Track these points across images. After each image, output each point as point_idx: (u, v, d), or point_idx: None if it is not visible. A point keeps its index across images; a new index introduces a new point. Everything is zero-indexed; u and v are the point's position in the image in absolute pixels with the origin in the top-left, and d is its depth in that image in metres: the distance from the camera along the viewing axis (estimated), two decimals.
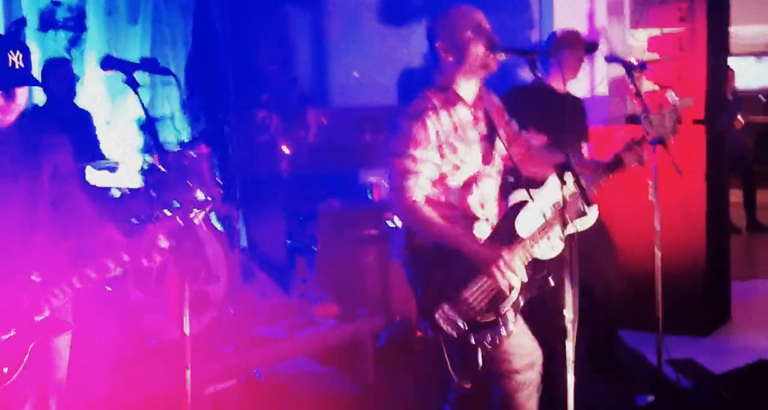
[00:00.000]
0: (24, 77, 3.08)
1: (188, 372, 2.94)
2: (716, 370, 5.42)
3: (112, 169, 6.13)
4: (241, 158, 7.80)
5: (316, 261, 6.70)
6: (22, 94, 3.11)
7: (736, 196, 8.51)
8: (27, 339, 3.03)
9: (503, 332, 3.42)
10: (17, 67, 3.05)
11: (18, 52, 3.06)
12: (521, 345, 3.58)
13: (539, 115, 4.64)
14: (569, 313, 3.32)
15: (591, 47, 4.80)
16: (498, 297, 3.44)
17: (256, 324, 5.75)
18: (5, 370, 3.02)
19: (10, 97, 3.05)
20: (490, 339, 3.41)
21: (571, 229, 3.69)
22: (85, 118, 6.53)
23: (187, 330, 2.92)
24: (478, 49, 3.50)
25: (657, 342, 4.71)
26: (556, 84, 4.96)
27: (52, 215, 3.24)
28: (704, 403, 4.93)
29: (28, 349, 3.03)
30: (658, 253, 4.66)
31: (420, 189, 3.45)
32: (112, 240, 3.16)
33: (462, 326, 3.39)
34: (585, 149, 5.12)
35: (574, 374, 3.36)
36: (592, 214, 4.64)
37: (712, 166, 6.07)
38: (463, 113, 3.56)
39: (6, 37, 3.06)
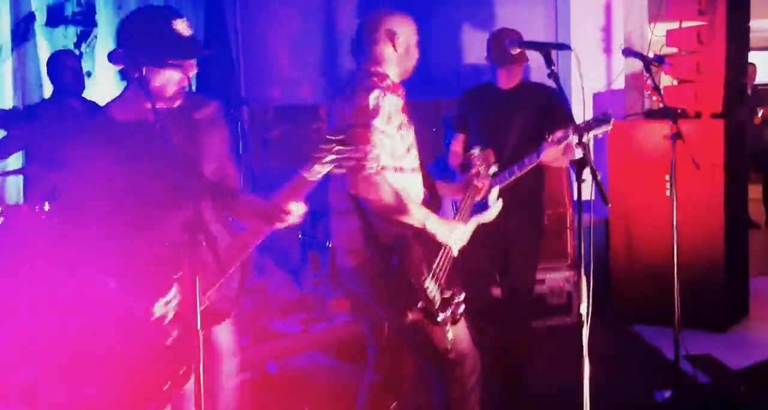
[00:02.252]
0: (194, 47, 3.10)
1: (201, 367, 2.90)
2: (734, 366, 5.39)
3: None
4: (253, 153, 7.78)
5: (330, 257, 6.67)
6: (191, 66, 3.10)
7: (754, 191, 8.42)
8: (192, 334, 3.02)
9: (461, 308, 3.52)
10: (186, 35, 3.07)
11: (183, 20, 3.08)
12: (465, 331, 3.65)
13: (486, 114, 4.80)
14: (584, 303, 3.29)
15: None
16: (453, 271, 3.58)
17: (270, 319, 5.72)
18: (182, 371, 3.05)
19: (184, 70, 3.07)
20: (451, 314, 3.49)
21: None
22: (94, 112, 6.48)
23: (199, 324, 2.88)
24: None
25: (674, 337, 4.68)
26: (505, 82, 4.87)
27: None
28: (722, 398, 4.92)
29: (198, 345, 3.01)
30: (675, 248, 4.61)
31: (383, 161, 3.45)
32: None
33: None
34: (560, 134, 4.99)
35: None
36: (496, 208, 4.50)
37: (730, 161, 6.00)
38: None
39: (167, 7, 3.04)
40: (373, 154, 3.36)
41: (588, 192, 3.32)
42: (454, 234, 3.59)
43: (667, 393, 4.80)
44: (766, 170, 10.07)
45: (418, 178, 3.66)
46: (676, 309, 4.63)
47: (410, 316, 3.46)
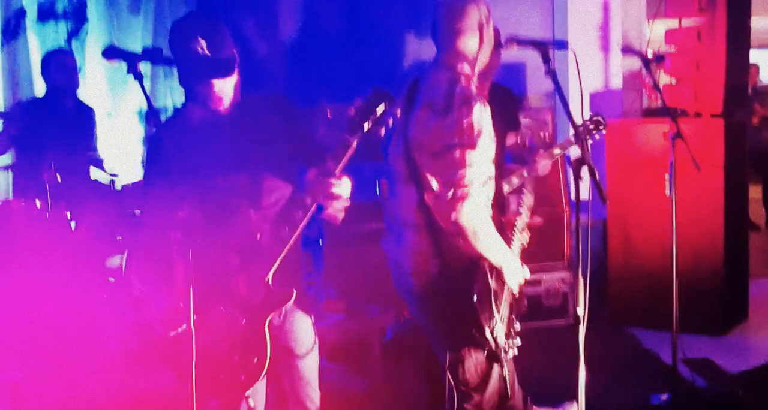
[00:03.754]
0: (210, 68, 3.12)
1: (193, 367, 2.84)
2: (733, 370, 5.32)
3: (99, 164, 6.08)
4: None
5: (323, 257, 6.60)
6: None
7: (754, 191, 8.35)
8: (259, 321, 3.10)
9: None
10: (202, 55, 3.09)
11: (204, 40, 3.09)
12: None
13: None
14: (581, 305, 3.22)
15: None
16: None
17: None
18: (255, 360, 3.09)
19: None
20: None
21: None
22: (87, 113, 6.44)
23: (192, 324, 2.81)
24: None
25: (672, 340, 4.62)
26: None
27: None
28: (720, 403, 4.84)
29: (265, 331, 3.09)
30: (675, 250, 4.54)
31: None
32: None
33: None
34: (512, 139, 4.90)
35: None
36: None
37: (730, 161, 5.92)
38: None
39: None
40: (471, 176, 3.15)
41: (585, 191, 3.25)
42: (519, 273, 3.46)
43: (665, 397, 4.74)
44: (765, 170, 9.99)
45: (493, 184, 3.40)
46: (674, 312, 4.57)
47: (472, 355, 3.43)
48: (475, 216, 3.17)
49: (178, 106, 7.58)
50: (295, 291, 3.18)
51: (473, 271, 3.28)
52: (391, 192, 3.33)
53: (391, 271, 3.56)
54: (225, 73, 3.13)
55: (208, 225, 3.15)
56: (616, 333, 6.07)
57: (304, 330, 3.40)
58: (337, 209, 3.13)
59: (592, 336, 3.27)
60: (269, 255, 3.12)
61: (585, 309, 3.13)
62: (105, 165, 6.18)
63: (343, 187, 3.08)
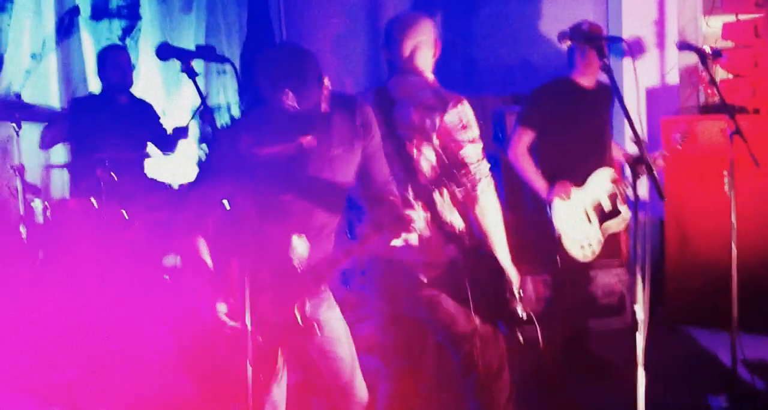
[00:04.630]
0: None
1: (249, 366, 2.84)
2: None
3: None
4: None
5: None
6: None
7: None
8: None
9: None
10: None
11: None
12: None
13: (565, 110, 4.77)
14: (640, 305, 3.20)
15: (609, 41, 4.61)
16: None
17: None
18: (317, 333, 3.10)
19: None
20: None
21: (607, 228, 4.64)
22: (146, 108, 6.48)
23: (248, 323, 2.82)
24: None
25: (732, 340, 4.58)
26: (582, 78, 4.87)
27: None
28: None
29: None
30: (734, 248, 4.48)
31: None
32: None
33: None
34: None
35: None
36: (626, 213, 4.79)
37: None
38: None
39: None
40: (482, 166, 3.54)
41: (643, 189, 3.22)
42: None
43: (723, 399, 4.67)
44: None
45: None
46: (733, 311, 4.52)
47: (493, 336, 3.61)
48: (488, 197, 3.53)
49: (233, 104, 7.68)
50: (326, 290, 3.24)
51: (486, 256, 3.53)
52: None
53: (382, 270, 3.69)
54: (311, 130, 3.06)
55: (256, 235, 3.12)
56: (673, 333, 5.99)
57: (335, 319, 3.38)
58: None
59: (649, 335, 3.24)
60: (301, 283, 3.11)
61: (645, 310, 3.11)
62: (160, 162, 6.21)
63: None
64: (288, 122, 2.98)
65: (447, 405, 4.53)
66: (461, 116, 3.53)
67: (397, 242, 3.03)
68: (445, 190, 3.03)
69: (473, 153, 3.54)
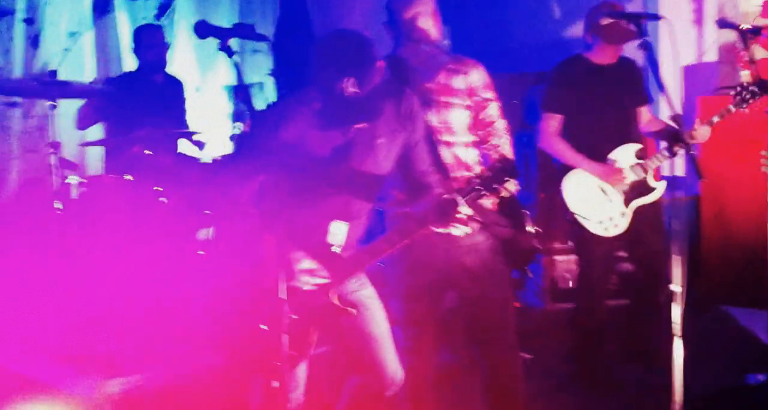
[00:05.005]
0: None
1: (284, 337, 2.85)
2: None
3: (200, 145, 6.10)
4: None
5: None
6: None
7: None
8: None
9: None
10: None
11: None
12: None
13: (580, 89, 4.74)
14: (677, 281, 3.19)
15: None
16: None
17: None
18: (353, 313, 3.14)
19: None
20: None
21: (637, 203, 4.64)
22: (176, 86, 6.51)
23: (283, 294, 2.83)
24: None
25: None
26: (601, 55, 4.80)
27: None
28: None
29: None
30: None
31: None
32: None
33: None
34: (645, 114, 4.98)
35: None
36: (660, 189, 4.67)
37: None
38: None
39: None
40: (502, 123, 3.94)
41: (679, 167, 3.19)
42: None
43: (761, 378, 4.62)
44: None
45: None
46: None
47: None
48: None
49: (267, 83, 7.68)
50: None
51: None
52: None
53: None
54: (364, 117, 3.07)
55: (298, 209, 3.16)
56: (708, 311, 5.93)
57: (370, 298, 3.38)
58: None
59: (685, 314, 3.21)
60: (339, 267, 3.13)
61: (682, 287, 3.09)
62: (195, 138, 6.23)
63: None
64: (343, 108, 2.99)
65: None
66: (483, 76, 3.83)
67: (440, 230, 3.07)
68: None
69: (495, 112, 3.88)
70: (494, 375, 3.88)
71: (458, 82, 3.78)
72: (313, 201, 3.18)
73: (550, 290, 6.12)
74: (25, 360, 4.67)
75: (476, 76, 3.81)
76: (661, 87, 3.33)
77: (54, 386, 4.36)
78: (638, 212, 4.70)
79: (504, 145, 3.91)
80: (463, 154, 3.79)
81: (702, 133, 4.49)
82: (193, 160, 5.96)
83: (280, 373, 2.89)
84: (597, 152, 4.71)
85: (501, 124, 3.92)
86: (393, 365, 3.37)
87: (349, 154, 3.16)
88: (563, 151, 4.72)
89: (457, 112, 3.79)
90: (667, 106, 3.51)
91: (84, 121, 6.05)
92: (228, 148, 6.31)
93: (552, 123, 4.74)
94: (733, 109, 4.49)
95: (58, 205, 5.10)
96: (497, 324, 3.87)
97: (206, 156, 5.93)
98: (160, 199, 5.33)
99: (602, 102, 4.73)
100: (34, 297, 5.26)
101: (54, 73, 5.76)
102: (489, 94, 3.86)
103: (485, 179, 2.96)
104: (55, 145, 5.18)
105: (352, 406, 3.42)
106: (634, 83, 4.89)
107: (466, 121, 3.83)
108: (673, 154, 4.19)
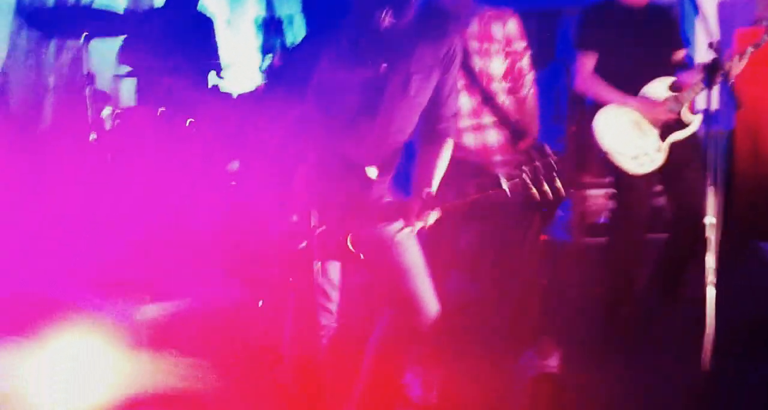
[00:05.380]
0: None
1: (317, 263, 2.85)
2: None
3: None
4: None
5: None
6: None
7: None
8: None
9: None
10: None
11: None
12: None
13: (615, 36, 4.63)
14: (710, 215, 3.17)
15: None
16: None
17: None
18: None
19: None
20: None
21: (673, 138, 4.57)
22: (206, 23, 6.49)
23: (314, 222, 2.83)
24: None
25: None
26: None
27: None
28: None
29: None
30: None
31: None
32: None
33: None
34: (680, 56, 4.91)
35: None
36: (696, 122, 4.62)
37: None
38: None
39: None
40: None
41: (714, 101, 3.16)
42: None
43: None
44: None
45: None
46: None
47: None
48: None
49: (296, 15, 7.62)
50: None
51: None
52: None
53: None
54: (398, 51, 3.03)
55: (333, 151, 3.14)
56: (741, 246, 5.91)
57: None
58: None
59: (719, 248, 3.20)
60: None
61: (718, 221, 3.07)
62: (224, 73, 6.23)
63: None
64: (379, 41, 2.96)
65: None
66: (519, 26, 3.99)
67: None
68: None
69: (528, 62, 4.10)
70: (520, 309, 3.92)
71: (497, 30, 3.96)
72: (346, 136, 3.15)
73: (578, 224, 6.10)
74: (63, 287, 4.74)
75: (512, 26, 4.01)
76: (698, 12, 3.28)
77: (91, 312, 4.43)
78: (675, 146, 4.65)
79: (531, 97, 4.14)
80: (495, 101, 3.81)
81: (738, 63, 4.41)
82: (224, 94, 5.96)
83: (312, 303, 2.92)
84: (631, 90, 4.66)
85: (531, 76, 4.13)
86: (428, 298, 3.36)
87: (383, 89, 3.10)
88: (601, 88, 4.66)
89: (494, 59, 3.95)
90: (704, 34, 3.45)
91: (124, 55, 6.07)
92: (258, 81, 6.30)
93: (588, 62, 4.68)
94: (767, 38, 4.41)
95: (93, 136, 5.14)
96: (520, 260, 3.91)
97: (237, 89, 5.92)
98: (192, 130, 5.35)
99: (634, 42, 4.66)
100: (71, 226, 5.33)
101: (90, 3, 5.76)
102: (524, 45, 4.07)
103: (535, 171, 2.86)
104: (90, 77, 5.20)
105: (386, 338, 3.43)
106: (668, 26, 4.81)
107: (502, 68, 4.01)
108: (710, 85, 4.11)
